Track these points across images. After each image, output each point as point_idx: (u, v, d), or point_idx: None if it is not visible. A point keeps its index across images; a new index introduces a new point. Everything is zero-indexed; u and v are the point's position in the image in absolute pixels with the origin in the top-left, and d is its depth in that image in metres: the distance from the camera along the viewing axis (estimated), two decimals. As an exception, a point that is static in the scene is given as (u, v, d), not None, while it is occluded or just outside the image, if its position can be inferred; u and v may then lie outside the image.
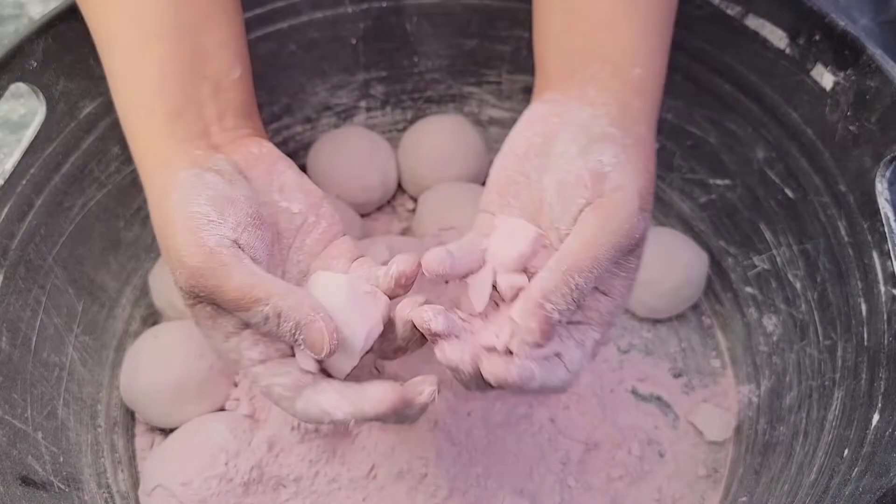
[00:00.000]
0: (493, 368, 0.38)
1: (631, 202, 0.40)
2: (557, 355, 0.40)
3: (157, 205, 0.41)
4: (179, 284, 0.39)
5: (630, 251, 0.40)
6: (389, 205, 0.70)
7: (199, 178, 0.40)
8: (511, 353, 0.39)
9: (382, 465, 0.52)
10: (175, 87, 0.43)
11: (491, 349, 0.39)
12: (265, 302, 0.37)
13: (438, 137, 0.67)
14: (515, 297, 0.41)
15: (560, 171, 0.41)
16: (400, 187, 0.70)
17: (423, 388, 0.40)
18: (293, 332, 0.38)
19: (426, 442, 0.52)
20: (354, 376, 0.42)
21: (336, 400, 0.40)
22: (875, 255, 0.49)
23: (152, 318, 0.61)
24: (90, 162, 0.55)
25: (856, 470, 0.45)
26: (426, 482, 0.52)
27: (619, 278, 0.41)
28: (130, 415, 0.57)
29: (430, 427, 0.52)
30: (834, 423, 0.50)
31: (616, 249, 0.39)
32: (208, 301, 0.39)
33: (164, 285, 0.59)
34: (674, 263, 0.61)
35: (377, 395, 0.39)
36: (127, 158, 0.58)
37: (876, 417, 0.46)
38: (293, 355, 0.41)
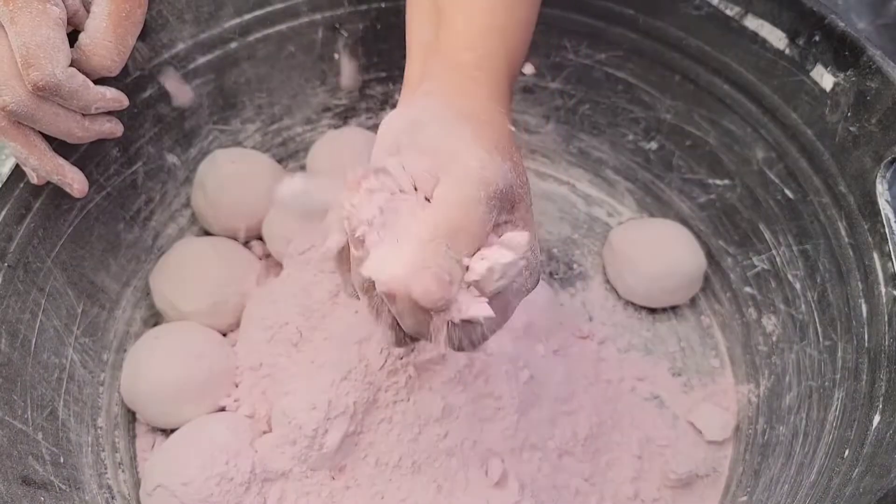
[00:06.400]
0: None
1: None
2: None
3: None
4: None
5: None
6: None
7: None
8: None
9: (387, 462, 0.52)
10: None
11: None
12: None
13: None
14: None
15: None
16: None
17: None
18: None
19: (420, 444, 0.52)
20: None
21: None
22: (875, 256, 0.49)
23: (153, 319, 0.61)
24: (89, 164, 0.55)
25: (856, 471, 0.45)
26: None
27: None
28: (131, 415, 0.57)
29: (414, 436, 0.52)
30: (834, 424, 0.50)
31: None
32: None
33: (164, 286, 0.59)
34: (667, 249, 0.62)
35: None
36: (126, 161, 0.58)
37: (877, 418, 0.46)
38: None
